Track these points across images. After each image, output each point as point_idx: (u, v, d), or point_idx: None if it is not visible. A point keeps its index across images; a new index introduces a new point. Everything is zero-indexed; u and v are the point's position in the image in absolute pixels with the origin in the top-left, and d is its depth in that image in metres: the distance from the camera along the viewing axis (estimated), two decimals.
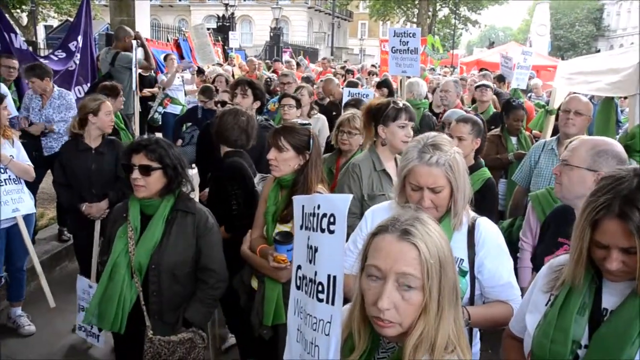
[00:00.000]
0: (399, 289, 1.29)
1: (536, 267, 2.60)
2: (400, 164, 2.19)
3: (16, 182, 4.06)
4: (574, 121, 3.72)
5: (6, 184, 3.98)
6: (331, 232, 1.44)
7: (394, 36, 5.77)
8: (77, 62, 6.98)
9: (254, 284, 2.86)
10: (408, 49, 5.70)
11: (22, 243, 4.16)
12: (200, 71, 10.08)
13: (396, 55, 5.75)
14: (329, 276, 1.43)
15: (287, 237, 2.53)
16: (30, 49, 7.97)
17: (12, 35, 6.54)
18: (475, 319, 2.08)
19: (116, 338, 2.82)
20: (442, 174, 2.03)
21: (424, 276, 1.28)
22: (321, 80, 8.20)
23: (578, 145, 2.39)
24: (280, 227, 2.73)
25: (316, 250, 1.49)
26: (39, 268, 4.16)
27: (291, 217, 2.68)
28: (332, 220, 1.44)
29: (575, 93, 4.24)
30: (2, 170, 3.97)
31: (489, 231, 2.16)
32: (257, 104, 4.59)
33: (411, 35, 5.72)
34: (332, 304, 1.41)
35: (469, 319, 2.05)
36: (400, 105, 3.16)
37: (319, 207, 1.49)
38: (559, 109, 5.16)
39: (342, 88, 6.84)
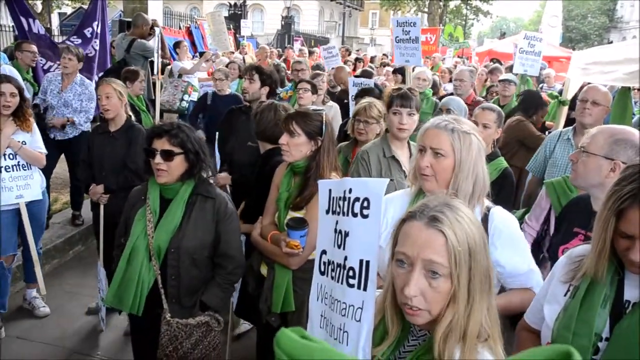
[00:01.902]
0: (426, 276, 1.26)
1: (550, 257, 2.57)
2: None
3: (25, 169, 4.03)
4: (591, 111, 3.66)
5: (13, 170, 3.96)
6: (364, 216, 1.41)
7: (397, 26, 5.77)
8: (97, 48, 6.99)
9: (264, 270, 2.86)
10: (410, 39, 5.69)
11: (37, 224, 4.20)
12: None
13: (399, 44, 5.75)
14: (361, 261, 1.40)
15: (301, 223, 2.53)
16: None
17: (30, 20, 6.55)
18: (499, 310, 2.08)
19: (133, 320, 2.85)
20: (448, 139, 1.96)
21: (451, 264, 1.25)
22: (332, 68, 8.17)
23: (597, 132, 2.35)
24: (293, 214, 2.72)
25: (347, 234, 1.46)
26: (34, 254, 4.15)
27: (304, 204, 2.69)
28: (365, 204, 1.41)
29: (590, 83, 4.18)
30: (11, 157, 3.96)
31: (504, 220, 2.07)
32: (266, 90, 4.55)
33: (412, 24, 5.70)
34: (364, 289, 1.39)
35: None
36: (398, 92, 3.16)
37: (350, 190, 1.46)
38: (572, 99, 5.12)
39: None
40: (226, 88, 6.18)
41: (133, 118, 4.26)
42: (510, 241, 2.06)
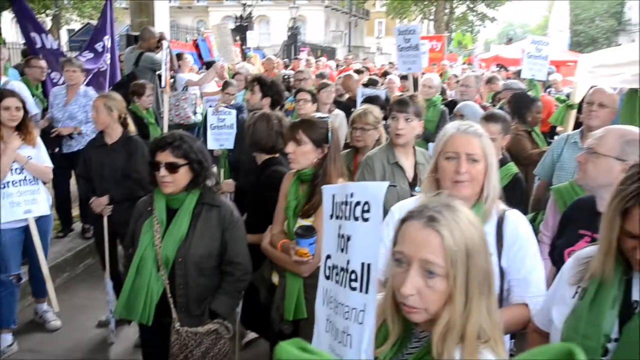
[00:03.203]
0: (422, 275, 1.28)
1: (555, 261, 2.53)
2: (435, 143, 2.15)
3: (32, 183, 4.01)
4: (598, 113, 3.63)
5: (21, 185, 3.94)
6: (365, 219, 1.42)
7: (399, 34, 5.87)
8: (108, 62, 7.04)
9: (275, 279, 2.86)
10: (410, 46, 5.73)
11: (44, 241, 4.15)
12: None
13: (402, 53, 5.81)
14: (362, 264, 1.41)
15: (309, 231, 2.52)
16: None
17: (43, 35, 6.62)
18: None
19: (143, 330, 2.86)
20: (479, 145, 2.00)
21: (447, 264, 1.26)
22: (340, 77, 8.18)
23: (606, 133, 2.32)
24: (301, 222, 2.72)
25: (349, 238, 1.47)
26: (46, 271, 4.12)
27: (313, 211, 2.70)
28: (366, 207, 1.42)
29: (597, 86, 4.15)
30: (18, 171, 3.94)
31: (519, 224, 2.07)
32: (267, 100, 4.55)
33: (412, 32, 5.77)
34: (366, 292, 1.39)
35: None
36: (398, 98, 3.27)
37: (352, 195, 1.47)
38: (580, 103, 5.09)
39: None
40: (231, 100, 6.23)
41: (131, 129, 4.26)
42: (520, 246, 2.05)
